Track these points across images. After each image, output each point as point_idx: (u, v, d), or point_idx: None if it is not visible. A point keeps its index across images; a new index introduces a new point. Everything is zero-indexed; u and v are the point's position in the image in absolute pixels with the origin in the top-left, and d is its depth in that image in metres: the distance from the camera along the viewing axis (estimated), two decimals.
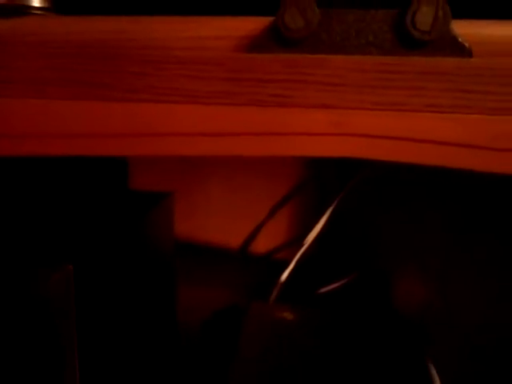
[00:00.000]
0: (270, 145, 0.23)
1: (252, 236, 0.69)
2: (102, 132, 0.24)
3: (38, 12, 0.27)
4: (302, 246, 0.61)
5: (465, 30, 0.22)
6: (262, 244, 0.69)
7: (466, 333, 0.49)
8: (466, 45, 0.22)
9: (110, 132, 0.24)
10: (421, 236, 0.56)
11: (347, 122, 0.22)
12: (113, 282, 0.39)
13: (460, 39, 0.22)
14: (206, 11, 0.25)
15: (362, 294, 0.63)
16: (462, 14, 0.23)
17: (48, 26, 0.25)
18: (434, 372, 0.48)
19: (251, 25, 0.24)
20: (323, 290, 0.63)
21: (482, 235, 0.48)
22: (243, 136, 0.23)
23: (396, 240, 0.60)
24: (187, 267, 0.61)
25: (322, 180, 0.65)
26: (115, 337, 0.39)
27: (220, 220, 0.69)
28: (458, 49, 0.22)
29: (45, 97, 0.25)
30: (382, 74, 0.22)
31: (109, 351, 0.38)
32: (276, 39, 0.23)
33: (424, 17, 0.21)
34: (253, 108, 0.23)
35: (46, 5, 0.27)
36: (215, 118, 0.23)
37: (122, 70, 0.23)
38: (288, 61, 0.22)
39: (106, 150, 0.25)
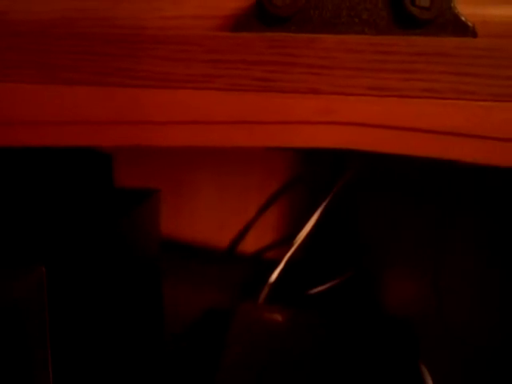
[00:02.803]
0: (254, 135, 0.21)
1: (241, 235, 0.68)
2: (69, 119, 0.21)
3: None
4: (291, 245, 0.60)
5: (467, 9, 0.21)
6: (251, 243, 0.68)
7: (459, 332, 0.48)
8: (470, 24, 0.20)
9: (78, 119, 0.21)
10: (412, 234, 0.55)
11: (338, 109, 0.20)
12: (91, 283, 0.37)
13: (463, 18, 0.20)
14: None
15: (353, 294, 0.62)
16: None
17: (11, 5, 0.23)
18: (426, 373, 0.47)
19: (233, 3, 0.22)
20: (313, 290, 0.62)
21: (476, 232, 0.46)
22: (223, 125, 0.21)
23: (387, 238, 0.59)
24: (174, 267, 0.60)
25: (311, 179, 0.64)
26: (93, 340, 0.38)
27: (208, 218, 0.67)
28: (460, 28, 0.20)
29: (9, 80, 0.23)
30: (376, 55, 0.20)
31: (86, 356, 0.37)
32: (261, 17, 0.21)
33: None
34: (235, 93, 0.21)
35: None
36: (193, 105, 0.21)
37: (91, 52, 0.21)
38: (274, 40, 0.20)
39: (74, 140, 0.22)
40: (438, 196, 0.50)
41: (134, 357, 0.47)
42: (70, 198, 0.43)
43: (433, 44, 0.20)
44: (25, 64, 0.23)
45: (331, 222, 0.61)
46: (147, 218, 0.52)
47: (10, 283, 0.30)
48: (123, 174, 0.55)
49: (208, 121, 0.21)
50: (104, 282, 0.40)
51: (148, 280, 0.51)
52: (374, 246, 0.63)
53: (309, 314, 0.55)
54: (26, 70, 0.23)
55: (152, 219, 0.53)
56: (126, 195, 0.49)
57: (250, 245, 0.68)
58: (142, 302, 0.49)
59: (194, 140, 0.21)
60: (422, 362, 0.48)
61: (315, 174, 0.64)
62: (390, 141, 0.20)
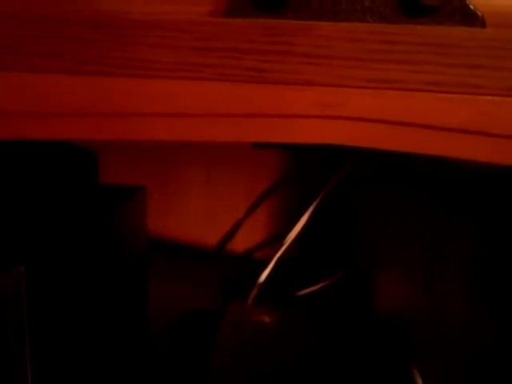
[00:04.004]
0: (246, 129, 0.19)
1: (230, 234, 0.66)
2: (43, 110, 0.20)
3: None
4: (282, 244, 0.59)
5: None
6: (241, 242, 0.67)
7: (453, 336, 0.47)
8: (479, 13, 0.19)
9: (53, 110, 0.20)
10: (406, 234, 0.54)
11: (336, 103, 0.19)
12: (73, 283, 0.36)
13: (471, 6, 0.19)
14: None
15: (346, 295, 0.61)
16: None
17: None
18: (418, 378, 0.47)
19: None
20: (304, 291, 0.61)
21: (476, 232, 0.46)
22: (213, 118, 0.19)
23: (380, 238, 0.58)
24: (161, 266, 0.59)
25: (303, 176, 0.63)
26: (74, 340, 0.37)
27: (197, 216, 0.66)
28: (469, 17, 0.18)
29: None
30: (378, 45, 0.18)
31: (67, 356, 0.36)
32: (255, 2, 0.19)
33: None
34: (225, 84, 0.19)
35: None
36: (181, 96, 0.19)
37: (68, 36, 0.19)
38: (268, 28, 0.19)
39: (48, 133, 0.21)
40: (437, 195, 0.49)
41: (119, 358, 0.46)
42: (53, 195, 0.42)
43: (440, 34, 0.18)
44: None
45: (323, 220, 0.60)
46: (133, 215, 0.50)
47: None
48: (110, 171, 0.53)
49: (196, 114, 0.19)
50: (87, 281, 0.38)
51: (134, 279, 0.50)
52: (366, 246, 0.62)
53: (299, 316, 0.55)
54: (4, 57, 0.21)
55: (138, 216, 0.52)
56: (111, 192, 0.48)
57: (239, 243, 0.67)
58: (127, 301, 0.48)
59: (183, 134, 0.20)
60: (414, 365, 0.47)
61: (306, 171, 0.63)
62: (392, 137, 0.19)
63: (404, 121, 0.19)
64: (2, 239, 0.33)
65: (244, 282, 0.58)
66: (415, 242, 0.53)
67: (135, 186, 0.51)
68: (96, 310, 0.40)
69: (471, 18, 0.18)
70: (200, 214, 0.66)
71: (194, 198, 0.65)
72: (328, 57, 0.19)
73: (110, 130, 0.20)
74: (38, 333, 0.31)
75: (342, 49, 0.19)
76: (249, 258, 0.67)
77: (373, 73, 0.19)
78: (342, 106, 0.19)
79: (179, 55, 0.19)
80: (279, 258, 0.58)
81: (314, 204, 0.57)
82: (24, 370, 0.30)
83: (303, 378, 0.45)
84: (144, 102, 0.20)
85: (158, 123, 0.20)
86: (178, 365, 0.55)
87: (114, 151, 0.60)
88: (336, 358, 0.47)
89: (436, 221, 0.50)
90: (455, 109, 0.19)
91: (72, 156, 0.47)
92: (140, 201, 0.52)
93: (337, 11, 0.19)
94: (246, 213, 0.65)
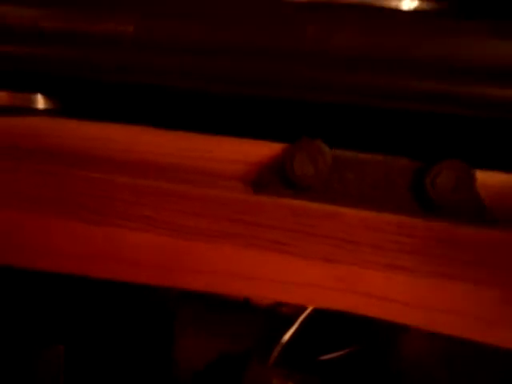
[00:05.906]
0: (263, 289, 0.21)
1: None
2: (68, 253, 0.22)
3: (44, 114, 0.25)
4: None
5: (493, 187, 0.20)
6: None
7: None
8: (491, 212, 0.20)
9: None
10: None
11: (350, 279, 0.21)
12: (106, 351, 0.39)
13: (485, 205, 0.20)
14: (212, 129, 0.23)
15: (366, 364, 0.61)
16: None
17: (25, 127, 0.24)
18: None
19: (266, 150, 0.22)
20: (327, 356, 0.61)
21: None
22: (233, 277, 0.21)
23: None
24: (187, 316, 0.60)
25: None
26: None
27: None
28: (481, 216, 0.20)
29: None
30: (395, 236, 0.20)
31: None
32: (284, 182, 0.21)
33: (445, 179, 0.19)
34: (252, 251, 0.21)
35: (51, 106, 0.25)
36: (206, 256, 0.22)
37: (110, 196, 0.22)
38: (295, 208, 0.21)
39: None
40: None
41: None
42: None
43: (450, 231, 0.20)
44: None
45: None
46: None
47: (33, 360, 0.32)
48: None
49: (218, 270, 0.21)
50: (117, 347, 0.40)
51: (160, 335, 0.52)
52: None
53: (321, 382, 0.55)
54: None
55: None
56: None
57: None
58: (152, 355, 0.50)
59: (208, 286, 0.22)
60: None
61: None
62: (403, 315, 0.20)
63: (414, 303, 0.20)
64: (46, 319, 0.36)
65: (268, 337, 0.59)
66: None
67: None
68: (124, 366, 0.42)
69: (483, 216, 0.20)
70: None
71: None
72: (348, 241, 0.20)
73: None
74: None
75: (361, 235, 0.20)
76: (275, 312, 0.67)
77: (388, 259, 0.20)
78: (355, 283, 0.21)
79: (211, 222, 0.21)
80: (304, 319, 0.58)
81: None
82: None
83: None
84: (177, 258, 0.22)
85: (186, 275, 0.22)
86: None
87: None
88: None
89: None
90: (457, 297, 0.20)
91: None
92: None
93: (359, 197, 0.20)
94: None
